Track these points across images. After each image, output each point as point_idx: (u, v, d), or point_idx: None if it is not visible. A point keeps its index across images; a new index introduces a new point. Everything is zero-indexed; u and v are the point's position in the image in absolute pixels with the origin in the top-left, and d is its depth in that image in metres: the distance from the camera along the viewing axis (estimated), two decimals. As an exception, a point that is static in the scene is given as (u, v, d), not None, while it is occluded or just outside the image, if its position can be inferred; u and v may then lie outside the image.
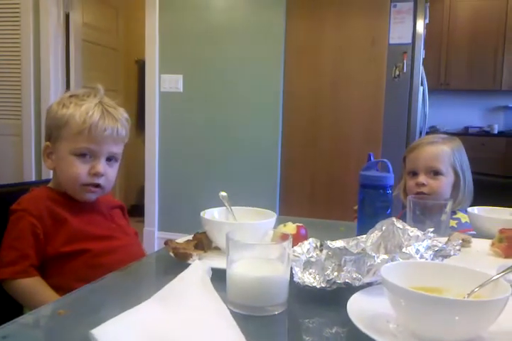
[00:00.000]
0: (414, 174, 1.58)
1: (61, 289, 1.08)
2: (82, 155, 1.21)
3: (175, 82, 3.55)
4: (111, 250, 1.21)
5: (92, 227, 1.22)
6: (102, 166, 1.22)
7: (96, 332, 0.58)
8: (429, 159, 1.57)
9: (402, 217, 1.27)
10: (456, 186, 1.58)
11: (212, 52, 3.47)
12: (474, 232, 1.27)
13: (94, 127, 1.19)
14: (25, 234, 1.13)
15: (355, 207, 1.51)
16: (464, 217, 1.51)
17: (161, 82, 3.58)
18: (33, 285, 1.12)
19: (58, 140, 1.22)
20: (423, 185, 1.54)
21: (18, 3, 3.73)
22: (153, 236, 3.69)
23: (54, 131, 1.22)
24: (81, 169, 1.21)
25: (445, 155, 1.57)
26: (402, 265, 0.76)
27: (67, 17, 3.81)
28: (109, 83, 4.43)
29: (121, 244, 1.26)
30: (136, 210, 4.21)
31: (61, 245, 1.15)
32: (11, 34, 3.80)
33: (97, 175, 1.22)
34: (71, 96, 1.25)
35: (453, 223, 1.48)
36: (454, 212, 1.53)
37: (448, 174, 1.56)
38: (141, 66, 4.47)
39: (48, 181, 1.33)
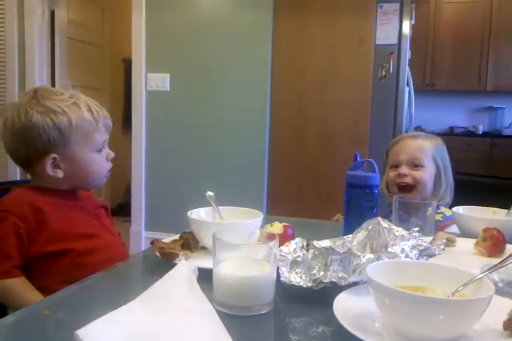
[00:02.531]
0: (396, 166, 1.62)
1: (46, 290, 1.06)
2: (101, 148, 1.27)
3: (162, 81, 3.54)
4: (95, 249, 1.20)
5: (76, 225, 1.21)
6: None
7: (81, 332, 0.57)
8: (411, 152, 1.60)
9: (386, 215, 1.28)
10: (437, 179, 1.61)
11: (199, 51, 3.46)
12: (459, 232, 1.29)
13: (103, 120, 1.24)
14: (8, 235, 1.11)
15: (333, 218, 1.53)
16: (447, 211, 1.53)
17: (148, 81, 3.57)
18: (17, 285, 1.10)
19: (67, 146, 1.19)
20: (405, 175, 1.58)
21: (2, 0, 3.69)
22: (140, 235, 3.68)
23: (58, 140, 1.18)
24: (102, 160, 1.27)
25: (426, 148, 1.61)
26: (387, 264, 0.77)
27: (52, 14, 3.77)
28: (95, 81, 4.39)
29: (106, 243, 1.25)
30: (123, 209, 4.19)
31: (45, 245, 1.14)
32: (-5, 31, 3.75)
33: (113, 159, 1.31)
34: (41, 104, 1.18)
35: (438, 217, 1.51)
36: (437, 207, 1.56)
37: (429, 166, 1.59)
38: (127, 64, 4.44)
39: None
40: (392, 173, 1.61)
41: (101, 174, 1.29)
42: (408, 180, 1.57)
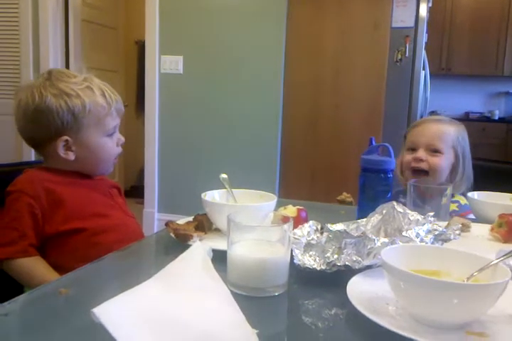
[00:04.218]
0: (414, 150, 1.56)
1: (61, 269, 1.08)
2: (112, 133, 1.26)
3: (175, 64, 3.53)
4: (109, 228, 1.21)
5: (90, 204, 1.22)
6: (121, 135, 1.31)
7: (97, 310, 0.58)
8: (432, 136, 1.54)
9: (394, 196, 1.27)
10: (454, 168, 1.55)
11: (213, 34, 3.44)
12: (474, 217, 1.28)
13: (115, 105, 1.24)
14: (23, 214, 1.13)
15: (339, 197, 1.51)
16: (462, 199, 1.51)
17: (161, 64, 3.55)
18: (33, 264, 1.12)
19: (80, 129, 1.20)
20: (421, 160, 1.52)
21: (16, -19, 3.68)
22: (153, 217, 3.71)
23: (71, 123, 1.18)
24: (112, 144, 1.27)
25: (448, 135, 1.55)
26: (402, 248, 0.76)
27: (66, -4, 3.76)
28: (109, 64, 4.39)
29: (119, 222, 1.27)
30: (136, 191, 4.22)
31: (59, 224, 1.15)
32: (9, 13, 3.75)
33: (123, 144, 1.31)
34: (55, 86, 1.18)
35: (453, 206, 1.47)
36: (451, 195, 1.53)
37: (448, 154, 1.53)
38: (141, 47, 4.43)
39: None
40: (408, 156, 1.55)
41: (110, 158, 1.29)
42: (424, 165, 1.51)
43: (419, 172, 1.53)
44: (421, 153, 1.53)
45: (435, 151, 1.53)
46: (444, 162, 1.53)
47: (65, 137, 1.19)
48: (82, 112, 1.18)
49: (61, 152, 1.20)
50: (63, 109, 1.16)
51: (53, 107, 1.16)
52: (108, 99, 1.22)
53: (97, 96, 1.20)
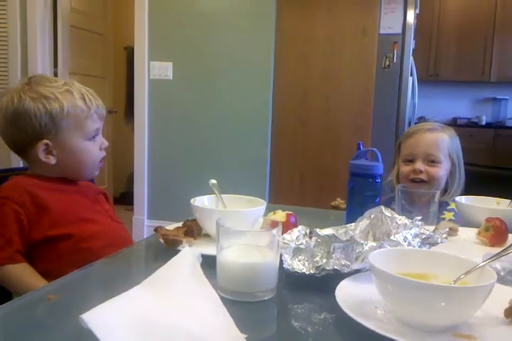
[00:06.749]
0: (410, 161, 1.55)
1: (49, 275, 1.07)
2: (93, 136, 1.26)
3: (164, 70, 3.53)
4: (97, 234, 1.20)
5: (76, 210, 1.22)
6: (105, 139, 1.31)
7: (86, 316, 0.58)
8: (429, 146, 1.53)
9: (385, 202, 1.28)
10: (451, 175, 1.56)
11: (202, 39, 3.45)
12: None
13: (96, 108, 1.24)
14: (9, 221, 1.12)
15: (333, 203, 1.51)
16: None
17: (151, 70, 3.55)
18: (20, 271, 1.11)
19: (59, 132, 1.20)
20: (420, 172, 1.51)
21: (4, -13, 3.67)
22: (143, 224, 3.69)
23: (49, 126, 1.18)
24: (95, 148, 1.27)
25: (444, 143, 1.54)
26: (389, 252, 0.77)
27: (54, 2, 3.74)
28: (98, 70, 4.37)
29: (108, 228, 1.26)
30: (126, 198, 4.20)
31: (46, 230, 1.14)
32: (-3, 18, 3.73)
33: (106, 148, 1.30)
34: (34, 90, 1.18)
35: (449, 215, 1.47)
36: (447, 203, 1.53)
37: (445, 163, 1.53)
38: (129, 53, 4.42)
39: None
40: (405, 168, 1.54)
41: (93, 162, 1.28)
42: (423, 176, 1.51)
43: (418, 183, 1.52)
44: (419, 165, 1.52)
45: (433, 161, 1.53)
46: (442, 171, 1.53)
47: (45, 140, 1.19)
48: (60, 114, 1.18)
49: (42, 156, 1.20)
50: (41, 112, 1.17)
51: (31, 110, 1.16)
52: (88, 102, 1.22)
53: (76, 99, 1.20)
